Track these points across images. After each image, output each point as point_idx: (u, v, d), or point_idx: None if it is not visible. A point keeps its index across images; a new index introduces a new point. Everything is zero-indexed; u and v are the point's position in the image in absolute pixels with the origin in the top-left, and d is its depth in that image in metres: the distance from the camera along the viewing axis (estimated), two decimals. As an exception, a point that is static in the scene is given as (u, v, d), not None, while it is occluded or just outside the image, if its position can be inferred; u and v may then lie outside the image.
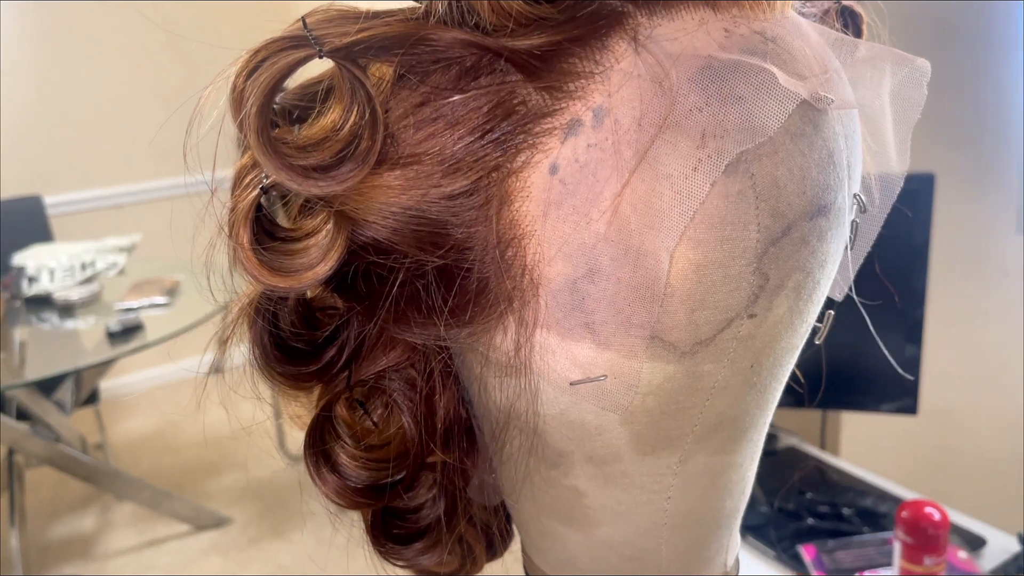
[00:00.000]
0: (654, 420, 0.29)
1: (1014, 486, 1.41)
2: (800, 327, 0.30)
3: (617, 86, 0.25)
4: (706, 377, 0.29)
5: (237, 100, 0.26)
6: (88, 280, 2.15)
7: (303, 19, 0.25)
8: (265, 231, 0.28)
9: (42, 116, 2.81)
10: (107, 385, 2.84)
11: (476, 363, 0.31)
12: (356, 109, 0.26)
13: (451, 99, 0.26)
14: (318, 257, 0.27)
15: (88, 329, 2.00)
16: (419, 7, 0.27)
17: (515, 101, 0.26)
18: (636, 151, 0.25)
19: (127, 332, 1.90)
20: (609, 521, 0.33)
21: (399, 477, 0.32)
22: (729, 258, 0.26)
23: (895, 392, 1.25)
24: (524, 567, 0.39)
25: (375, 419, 0.33)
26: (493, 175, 0.26)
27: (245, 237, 0.27)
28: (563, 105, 0.26)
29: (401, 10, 0.27)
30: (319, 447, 0.32)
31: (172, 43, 2.93)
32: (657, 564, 0.34)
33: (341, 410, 0.33)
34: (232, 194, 0.29)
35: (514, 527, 0.40)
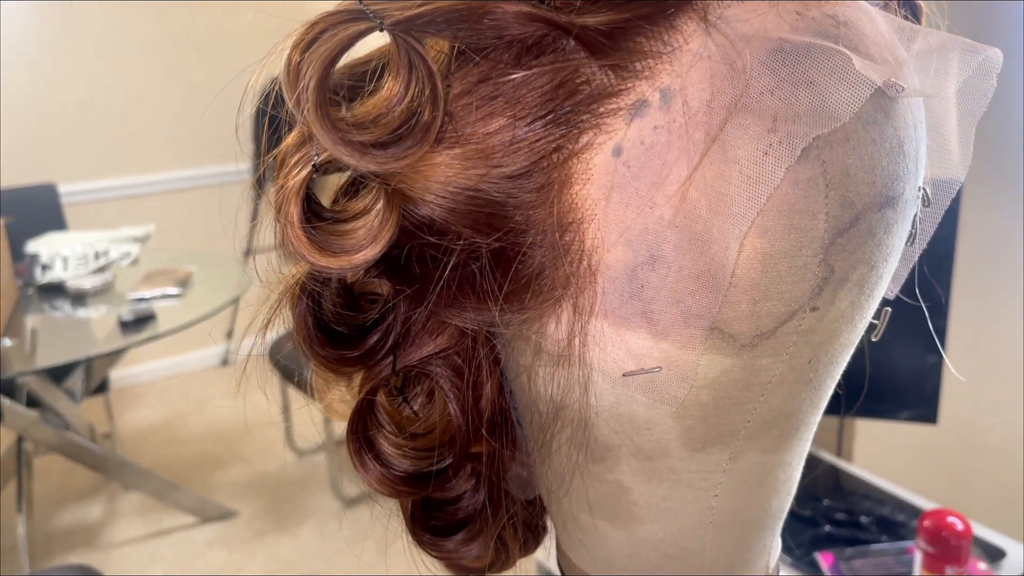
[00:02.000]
0: (707, 415, 0.28)
1: (1032, 498, 1.40)
2: (859, 323, 0.29)
3: (686, 67, 0.25)
4: (763, 371, 0.28)
5: (294, 74, 0.25)
6: (101, 269, 2.15)
7: None
8: (313, 211, 0.28)
9: (58, 104, 2.81)
10: (117, 375, 2.85)
11: (526, 351, 0.30)
12: (415, 85, 0.25)
13: (512, 76, 0.25)
14: (369, 238, 0.27)
15: (100, 318, 2.00)
16: None
17: (579, 80, 0.25)
18: (706, 133, 0.24)
19: (139, 322, 1.90)
20: (653, 519, 0.32)
21: (443, 466, 0.31)
22: (796, 248, 0.25)
23: (914, 400, 1.23)
24: (559, 565, 0.38)
25: (415, 407, 0.32)
26: (554, 156, 0.25)
27: (295, 214, 0.27)
28: (629, 85, 0.25)
29: None
30: (362, 434, 0.31)
31: (190, 34, 2.94)
32: (700, 564, 0.33)
33: (382, 397, 0.32)
34: (279, 174, 0.28)
35: (548, 522, 0.39)
